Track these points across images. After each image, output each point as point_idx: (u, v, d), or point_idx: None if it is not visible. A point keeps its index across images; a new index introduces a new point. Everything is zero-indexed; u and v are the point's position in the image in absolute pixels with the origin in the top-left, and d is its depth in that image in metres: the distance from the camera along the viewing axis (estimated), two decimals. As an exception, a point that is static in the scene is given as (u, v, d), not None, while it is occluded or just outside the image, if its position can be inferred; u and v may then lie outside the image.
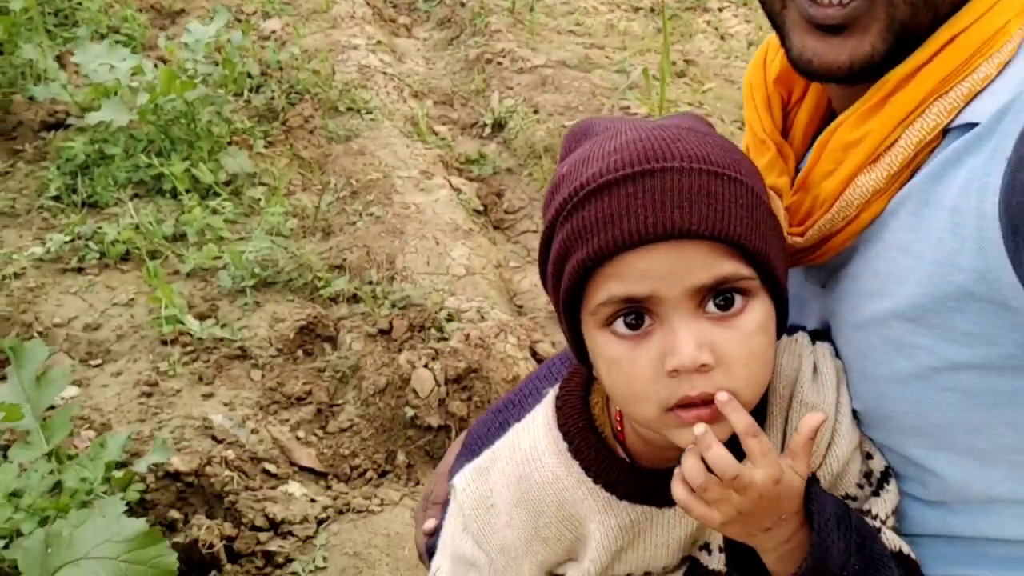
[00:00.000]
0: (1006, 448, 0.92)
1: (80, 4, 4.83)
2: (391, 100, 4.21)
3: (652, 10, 5.62)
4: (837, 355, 1.04)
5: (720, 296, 0.88)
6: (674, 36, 4.77)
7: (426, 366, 2.60)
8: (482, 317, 2.80)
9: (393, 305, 2.91)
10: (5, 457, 2.16)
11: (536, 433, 1.06)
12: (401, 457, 2.50)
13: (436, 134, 4.10)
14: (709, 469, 0.88)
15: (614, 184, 0.87)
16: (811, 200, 0.98)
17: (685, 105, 4.22)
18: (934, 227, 0.88)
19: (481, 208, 3.70)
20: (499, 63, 4.66)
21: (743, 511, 0.90)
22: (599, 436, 1.03)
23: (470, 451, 1.23)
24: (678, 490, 0.91)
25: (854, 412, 1.02)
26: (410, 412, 2.51)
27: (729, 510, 0.90)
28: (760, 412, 0.99)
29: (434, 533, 1.24)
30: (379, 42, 4.75)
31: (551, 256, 0.94)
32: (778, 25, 0.97)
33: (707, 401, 0.87)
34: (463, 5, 5.28)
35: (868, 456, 1.05)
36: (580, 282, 0.90)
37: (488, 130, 4.23)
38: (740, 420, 0.86)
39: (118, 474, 2.10)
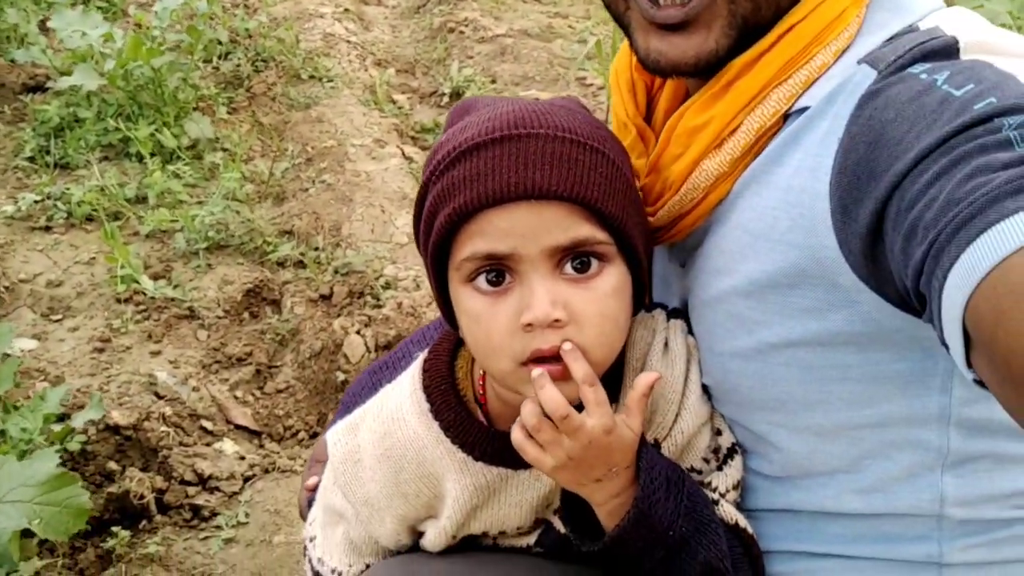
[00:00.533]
0: (843, 424, 0.93)
1: (63, -32, 4.80)
2: (352, 68, 4.21)
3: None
4: (691, 332, 1.05)
5: (577, 259, 0.90)
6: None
7: (358, 332, 2.67)
8: (418, 286, 2.85)
9: (336, 271, 2.96)
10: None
11: (402, 393, 1.07)
12: (331, 419, 2.57)
13: (394, 103, 4.12)
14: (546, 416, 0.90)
15: (482, 146, 0.89)
16: (661, 182, 0.98)
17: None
18: (769, 205, 0.89)
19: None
20: (462, 32, 4.65)
21: (573, 456, 0.91)
22: (460, 398, 1.05)
23: (345, 409, 1.25)
24: (515, 433, 0.94)
25: (705, 388, 1.03)
26: (341, 376, 2.58)
27: (560, 454, 0.91)
28: (615, 384, 1.01)
29: (315, 489, 1.26)
30: (346, 10, 4.73)
31: (423, 214, 0.96)
32: (623, 25, 0.97)
33: (557, 357, 0.89)
34: (433, -27, 5.24)
35: (718, 432, 1.06)
36: (447, 238, 0.92)
37: (446, 99, 4.24)
38: (580, 368, 0.88)
39: (56, 428, 2.17)
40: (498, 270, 0.90)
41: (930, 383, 0.88)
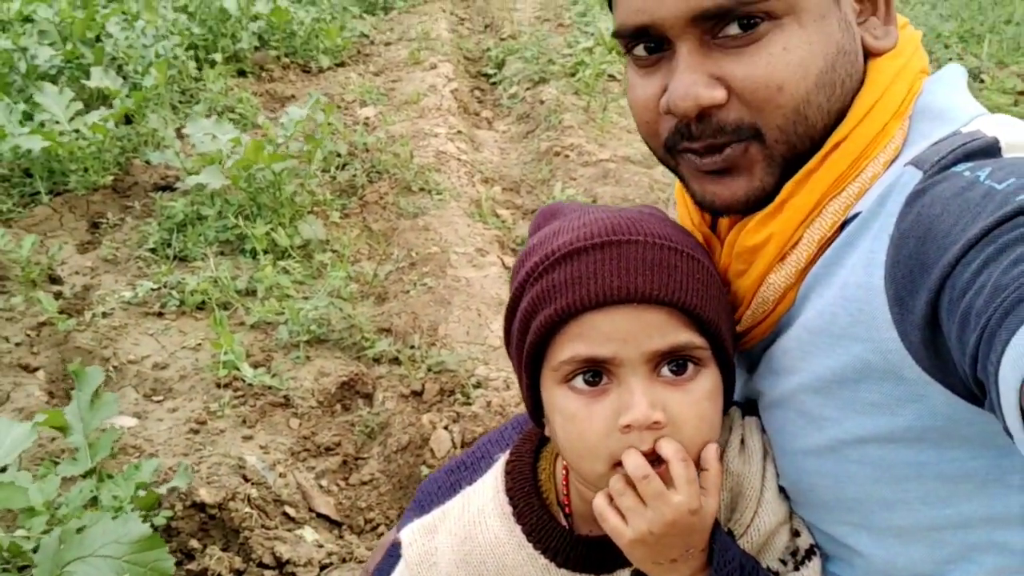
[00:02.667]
0: (923, 525, 0.89)
1: (204, 86, 5.08)
2: (461, 184, 4.27)
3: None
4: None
5: (674, 362, 0.89)
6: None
7: (446, 427, 2.58)
8: (508, 387, 2.77)
9: (429, 369, 2.90)
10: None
11: (484, 496, 1.04)
12: (403, 515, 2.45)
13: (498, 216, 4.13)
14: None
15: (583, 251, 0.89)
16: (731, 295, 0.98)
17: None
18: (828, 303, 0.88)
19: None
20: (567, 156, 4.69)
21: (654, 531, 0.88)
22: (543, 502, 1.02)
23: (419, 507, 1.20)
24: (598, 499, 0.91)
25: (783, 489, 1.00)
26: (425, 471, 2.47)
27: (640, 525, 0.88)
28: None
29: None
30: (459, 132, 4.84)
31: (518, 315, 0.95)
32: (679, 175, 0.98)
33: (653, 460, 0.87)
34: (542, 103, 5.35)
35: (796, 533, 1.01)
36: (545, 339, 0.91)
37: (548, 216, 4.23)
38: (670, 447, 0.87)
39: (143, 494, 2.12)
40: (596, 371, 0.89)
41: (1009, 481, 0.84)
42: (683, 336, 0.88)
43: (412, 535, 1.06)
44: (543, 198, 4.42)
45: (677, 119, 0.90)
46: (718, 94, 0.87)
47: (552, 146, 4.82)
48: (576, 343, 0.88)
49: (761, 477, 0.99)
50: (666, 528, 0.88)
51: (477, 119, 5.47)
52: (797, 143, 0.90)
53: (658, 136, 0.95)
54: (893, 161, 0.90)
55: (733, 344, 0.97)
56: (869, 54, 0.94)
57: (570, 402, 0.90)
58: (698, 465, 0.90)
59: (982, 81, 5.59)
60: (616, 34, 0.94)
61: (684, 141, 0.92)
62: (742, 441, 1.00)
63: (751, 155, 0.90)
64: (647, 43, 0.91)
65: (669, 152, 0.96)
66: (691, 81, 0.87)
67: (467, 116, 5.37)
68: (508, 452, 1.07)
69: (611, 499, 0.90)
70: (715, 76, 0.87)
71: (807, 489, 0.97)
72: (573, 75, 5.77)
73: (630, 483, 0.88)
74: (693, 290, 0.89)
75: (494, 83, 6.18)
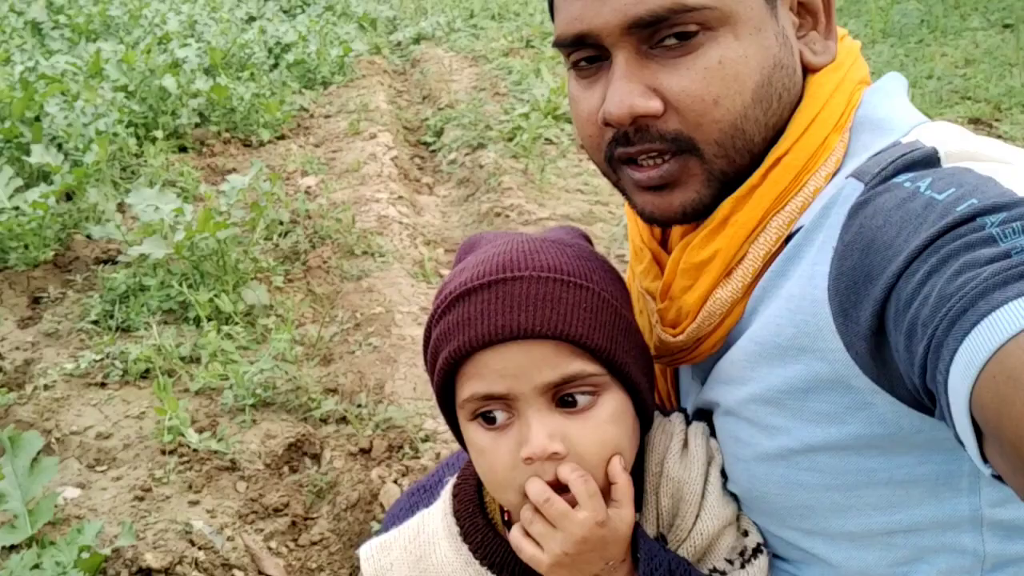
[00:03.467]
0: (875, 529, 0.89)
1: (145, 161, 5.10)
2: (403, 246, 4.32)
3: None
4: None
5: (569, 395, 0.92)
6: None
7: (395, 481, 2.58)
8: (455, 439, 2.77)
9: (376, 426, 2.90)
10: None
11: (435, 518, 1.08)
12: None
13: (441, 276, 4.18)
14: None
15: (473, 292, 0.93)
16: (676, 310, 0.99)
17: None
18: (774, 315, 0.89)
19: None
20: (507, 216, 4.77)
21: (568, 551, 0.91)
22: (487, 520, 1.05)
23: (384, 528, 1.24)
24: (513, 532, 0.95)
25: (735, 496, 1.01)
26: (376, 527, 2.46)
27: (554, 548, 0.91)
28: (636, 490, 1.00)
29: None
30: (400, 197, 4.91)
31: (428, 355, 0.99)
32: (620, 189, 0.99)
33: (560, 489, 0.90)
34: (481, 167, 5.45)
35: (744, 533, 1.03)
36: (449, 378, 0.95)
37: (490, 275, 4.29)
38: (567, 469, 0.90)
39: (86, 555, 2.08)
40: (498, 406, 0.93)
41: (957, 485, 0.85)
42: (574, 366, 0.90)
43: (370, 551, 1.10)
44: (485, 258, 4.49)
45: (615, 129, 0.91)
46: (653, 104, 0.87)
47: (493, 207, 4.91)
48: (473, 382, 0.92)
49: (703, 482, 1.00)
50: (579, 546, 0.91)
51: (418, 185, 5.55)
52: (736, 157, 0.90)
53: (600, 150, 0.95)
54: (835, 174, 0.90)
55: (646, 361, 0.99)
56: (808, 69, 0.94)
57: (479, 437, 0.94)
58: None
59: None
60: (556, 43, 0.94)
61: (620, 148, 0.92)
62: (685, 445, 1.02)
63: (689, 169, 0.90)
64: (586, 53, 0.92)
65: (610, 165, 0.96)
66: (627, 90, 0.87)
67: (408, 182, 5.45)
68: (455, 476, 1.11)
69: (523, 529, 0.94)
70: (651, 87, 0.88)
71: (760, 496, 0.97)
72: (511, 140, 5.90)
73: (538, 511, 0.91)
74: (579, 320, 0.90)
75: (433, 151, 6.29)
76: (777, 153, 0.90)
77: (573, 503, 0.90)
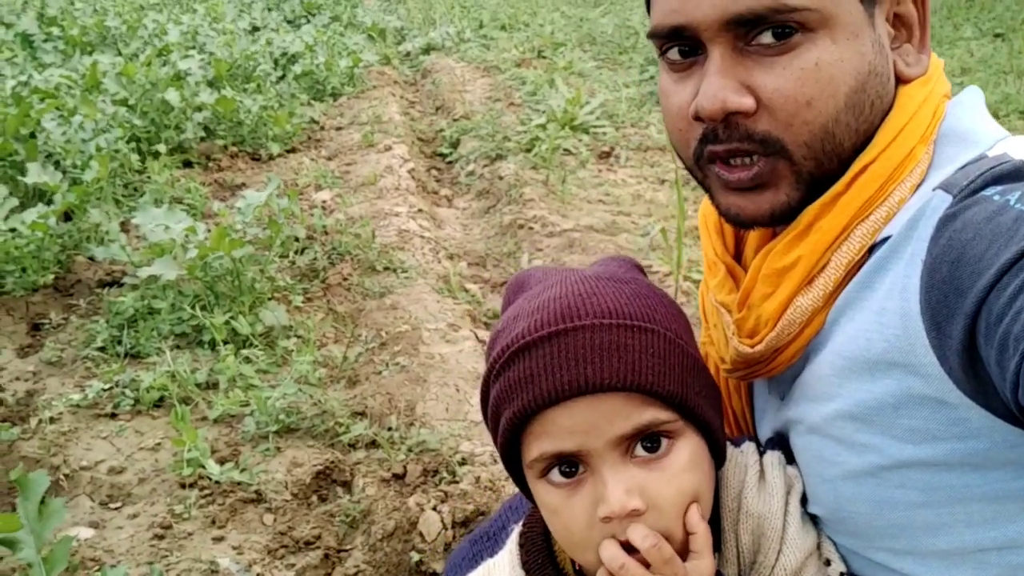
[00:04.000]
0: (968, 547, 0.89)
1: (148, 178, 4.98)
2: (426, 260, 4.19)
3: (677, 181, 5.63)
4: (793, 462, 1.02)
5: (646, 440, 0.89)
6: (691, 203, 4.72)
7: (435, 509, 2.43)
8: (495, 460, 2.64)
9: (409, 450, 2.76)
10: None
11: (503, 570, 1.05)
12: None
13: (467, 291, 4.05)
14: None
15: (533, 345, 0.90)
16: (755, 318, 0.98)
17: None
18: (863, 329, 0.89)
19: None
20: (531, 228, 4.65)
21: None
22: (559, 572, 1.02)
23: None
24: None
25: (816, 518, 1.01)
26: (416, 557, 2.31)
27: None
28: (715, 528, 0.97)
29: None
30: (420, 210, 4.79)
31: (489, 411, 0.97)
32: (705, 188, 0.99)
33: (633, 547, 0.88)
34: (501, 178, 5.34)
35: (827, 563, 1.00)
36: (514, 438, 0.93)
37: (518, 288, 4.16)
38: (638, 535, 0.87)
39: (108, 613, 1.93)
40: (569, 462, 0.90)
41: None
42: (646, 415, 0.88)
43: None
44: (510, 270, 4.36)
45: (704, 126, 0.91)
46: (747, 101, 0.88)
47: (515, 219, 4.79)
48: (542, 441, 0.90)
49: (783, 514, 0.98)
50: None
51: (436, 197, 5.43)
52: (824, 161, 0.91)
53: (688, 145, 0.96)
54: (919, 185, 0.92)
55: (715, 397, 0.98)
56: (899, 80, 0.96)
57: (551, 496, 0.92)
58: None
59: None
60: (651, 35, 0.95)
61: (709, 145, 0.92)
62: (761, 477, 1.00)
63: (778, 172, 0.91)
64: (681, 46, 0.93)
65: (697, 163, 0.96)
66: (720, 85, 0.88)
67: (426, 195, 5.34)
68: (520, 524, 1.07)
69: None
70: (745, 84, 0.89)
71: (847, 516, 0.96)
72: (529, 151, 5.79)
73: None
74: (647, 367, 0.88)
75: (450, 162, 6.18)
76: (864, 161, 0.92)
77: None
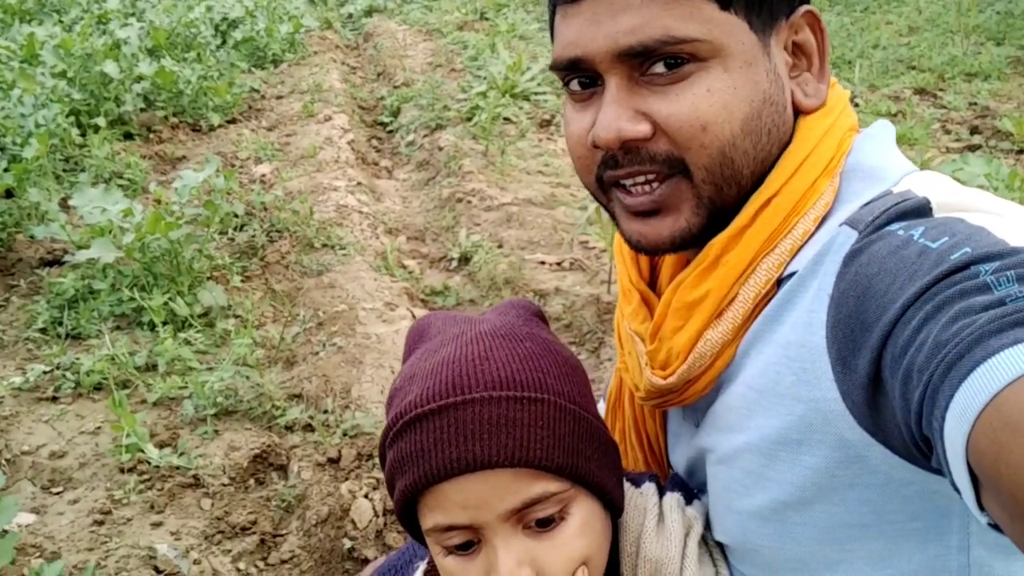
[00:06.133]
0: None
1: (88, 152, 4.90)
2: (364, 237, 4.20)
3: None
4: (695, 499, 1.03)
5: (533, 514, 0.89)
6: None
7: (367, 496, 2.50)
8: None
9: (344, 434, 2.82)
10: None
11: None
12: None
13: (405, 268, 4.08)
14: None
15: (423, 417, 0.89)
16: (666, 351, 0.98)
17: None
18: (771, 362, 0.89)
19: (442, 338, 3.64)
20: (469, 201, 4.68)
21: None
22: None
23: None
24: None
25: (723, 546, 1.02)
26: (348, 544, 2.39)
27: None
28: (613, 573, 0.98)
29: None
30: (359, 183, 4.78)
31: (385, 475, 0.96)
32: (609, 213, 1.00)
33: None
34: (440, 149, 5.34)
35: None
36: (409, 505, 0.93)
37: (455, 264, 4.21)
38: None
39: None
40: (463, 536, 0.90)
41: (948, 541, 0.86)
42: (536, 489, 0.88)
43: None
44: (448, 245, 4.40)
45: (604, 153, 0.92)
46: (642, 128, 0.89)
47: (454, 192, 4.81)
48: (435, 513, 0.89)
49: (680, 558, 0.98)
50: None
51: (376, 169, 5.42)
52: (723, 186, 0.91)
53: (591, 172, 0.96)
54: (823, 218, 0.91)
55: (611, 454, 0.97)
56: (798, 110, 0.96)
57: (448, 563, 0.92)
58: None
59: (856, 105, 5.83)
60: (552, 67, 0.96)
61: (609, 171, 0.93)
62: (660, 520, 1.00)
63: (680, 192, 0.91)
64: (581, 77, 0.94)
65: (601, 188, 0.97)
66: (616, 114, 0.89)
67: (366, 167, 5.32)
68: (425, 562, 1.08)
69: None
70: (640, 111, 0.89)
71: (752, 548, 0.97)
72: (469, 119, 5.78)
73: None
74: (536, 441, 0.87)
75: (391, 131, 6.15)
76: (767, 194, 0.92)
77: None
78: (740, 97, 0.89)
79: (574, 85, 0.95)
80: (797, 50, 0.96)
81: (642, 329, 1.03)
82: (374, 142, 5.96)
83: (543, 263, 4.05)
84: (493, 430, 0.87)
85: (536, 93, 6.47)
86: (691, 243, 0.94)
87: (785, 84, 0.94)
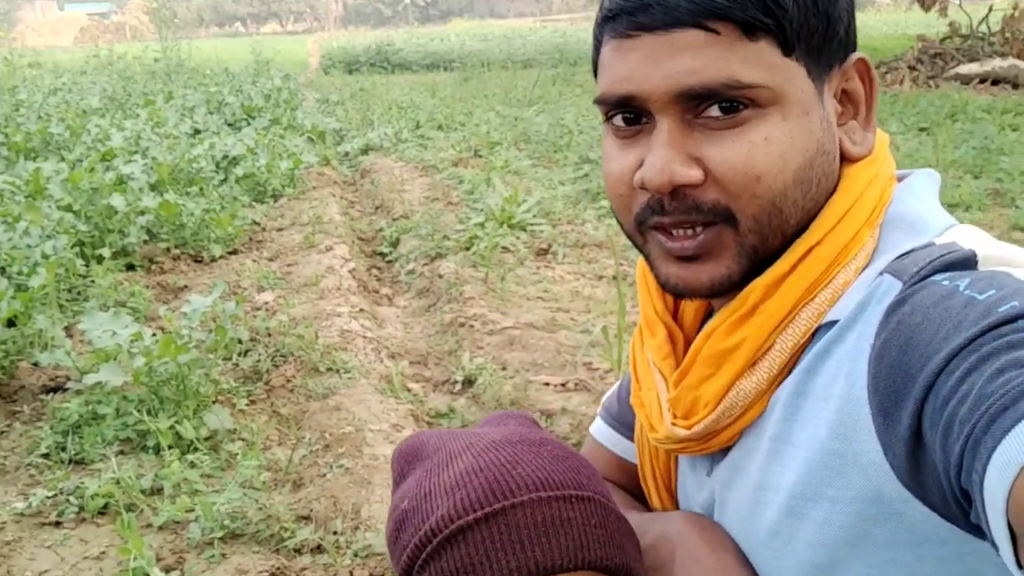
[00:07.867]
0: None
1: (92, 282, 5.00)
2: (369, 360, 4.26)
3: (615, 277, 5.83)
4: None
5: None
6: (631, 299, 4.90)
7: (382, 615, 2.47)
8: (440, 564, 2.68)
9: (355, 555, 2.80)
10: None
11: None
12: None
13: (409, 390, 4.12)
14: None
15: (467, 529, 0.83)
16: (692, 399, 0.96)
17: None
18: (808, 415, 0.87)
19: (449, 459, 3.65)
20: (471, 326, 4.76)
21: None
22: None
23: None
24: None
25: None
26: (363, 662, 2.34)
27: None
28: None
29: None
30: (361, 310, 4.87)
31: None
32: (644, 255, 0.98)
33: None
34: (441, 276, 5.46)
35: None
36: None
37: (459, 386, 4.25)
38: None
39: None
40: None
41: None
42: None
43: None
44: (451, 368, 4.45)
45: (650, 195, 0.90)
46: (694, 173, 0.87)
47: (456, 317, 4.90)
48: None
49: None
50: None
51: (377, 296, 5.53)
52: (769, 236, 0.90)
53: (629, 211, 0.94)
54: (864, 268, 0.90)
55: (638, 550, 0.96)
56: (845, 157, 0.95)
57: None
58: None
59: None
60: (599, 101, 0.93)
61: (655, 216, 0.91)
62: None
63: (723, 239, 0.89)
64: (627, 113, 0.91)
65: (639, 228, 0.94)
66: (668, 158, 0.87)
67: (367, 294, 5.43)
68: None
69: None
70: (693, 156, 0.87)
71: None
72: (468, 248, 5.95)
73: None
74: (594, 540, 0.85)
75: (390, 261, 6.30)
76: (809, 242, 0.90)
77: None
78: (796, 147, 0.88)
79: (618, 120, 0.92)
80: (845, 98, 0.95)
81: (664, 366, 1.01)
82: (374, 271, 6.10)
83: (548, 384, 4.10)
84: (550, 531, 0.83)
85: (532, 224, 6.68)
86: (728, 290, 0.93)
87: (835, 132, 0.93)
